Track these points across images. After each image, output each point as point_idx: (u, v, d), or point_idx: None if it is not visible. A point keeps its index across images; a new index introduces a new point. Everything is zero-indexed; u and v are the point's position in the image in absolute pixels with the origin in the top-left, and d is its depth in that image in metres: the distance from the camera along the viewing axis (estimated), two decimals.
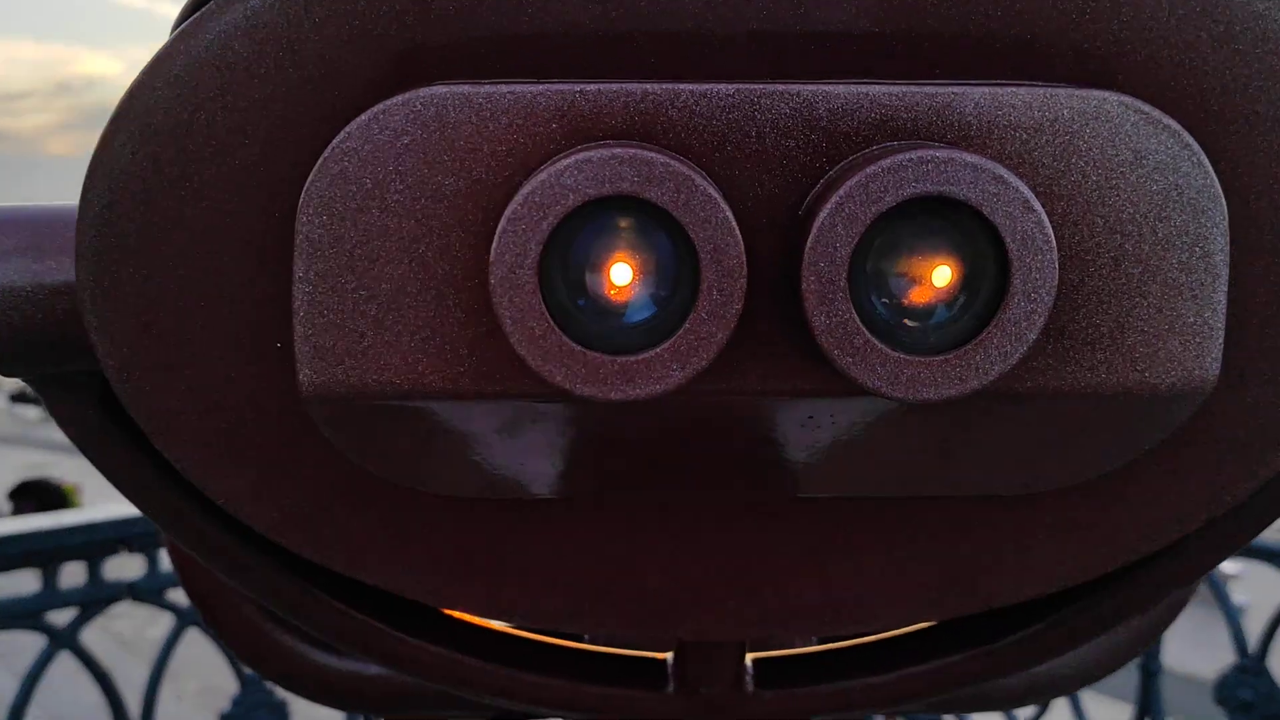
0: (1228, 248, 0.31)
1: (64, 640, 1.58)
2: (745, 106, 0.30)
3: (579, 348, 0.29)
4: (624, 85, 0.30)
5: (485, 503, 0.37)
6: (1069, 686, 0.62)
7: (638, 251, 0.29)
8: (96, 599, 1.59)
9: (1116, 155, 0.31)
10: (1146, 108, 0.31)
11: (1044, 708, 1.64)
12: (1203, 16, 0.33)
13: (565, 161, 0.28)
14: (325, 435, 0.34)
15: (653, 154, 0.28)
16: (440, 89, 0.30)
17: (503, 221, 0.28)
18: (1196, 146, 0.31)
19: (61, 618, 1.59)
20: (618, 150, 0.28)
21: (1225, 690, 1.52)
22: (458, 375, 0.31)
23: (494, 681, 0.44)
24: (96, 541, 1.57)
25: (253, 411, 0.35)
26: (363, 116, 0.30)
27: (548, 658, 0.46)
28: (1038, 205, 0.29)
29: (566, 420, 0.33)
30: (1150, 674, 1.59)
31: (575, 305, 0.29)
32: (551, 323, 0.29)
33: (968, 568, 0.39)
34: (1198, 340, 0.32)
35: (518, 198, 0.28)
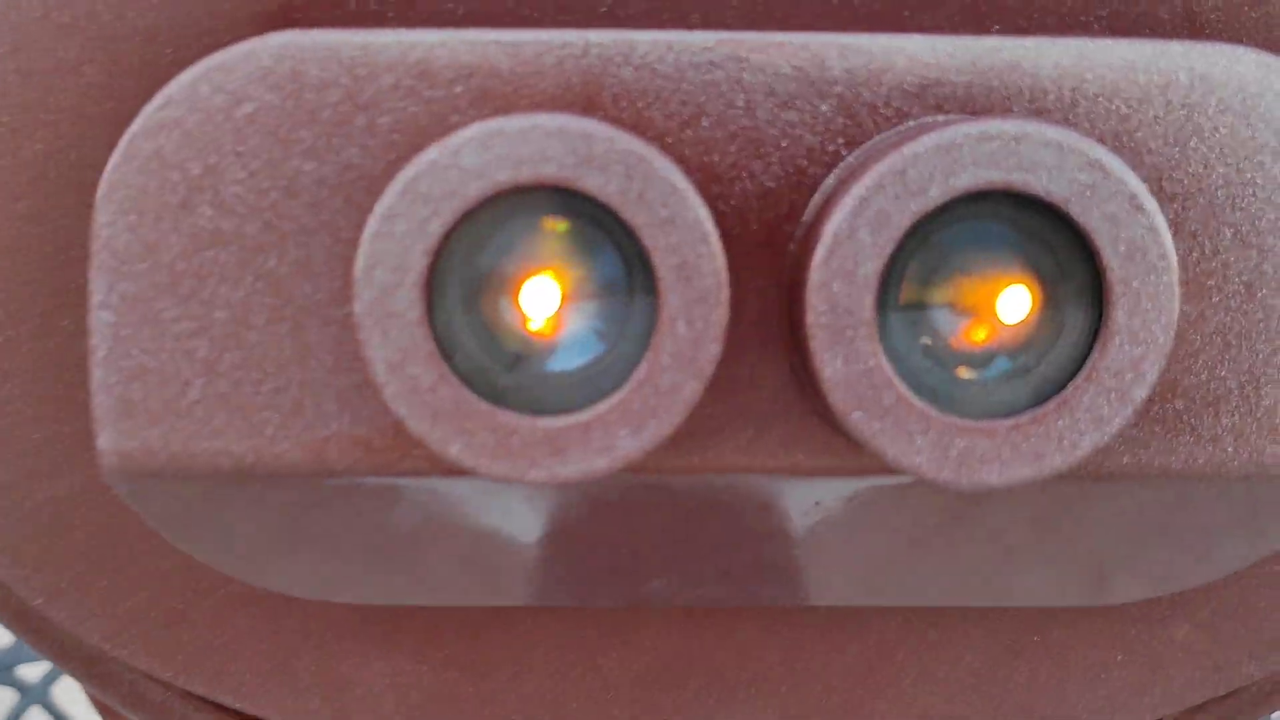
0: None
1: (35, 695, 1.50)
2: (729, 65, 0.22)
3: (485, 405, 0.20)
4: (557, 33, 0.21)
5: (385, 610, 0.28)
6: None
7: (572, 266, 0.20)
8: None
9: (1253, 137, 0.22)
10: None
11: None
12: None
13: (466, 134, 0.19)
14: (148, 516, 0.25)
15: (594, 125, 0.19)
16: (295, 36, 0.21)
17: (372, 222, 0.20)
18: None
19: (34, 672, 1.51)
20: (543, 119, 0.19)
21: None
22: (319, 442, 0.22)
23: None
24: None
25: (66, 488, 0.26)
26: (185, 75, 0.21)
27: None
28: (1151, 203, 0.20)
29: (476, 505, 0.24)
30: None
31: (481, 343, 0.20)
32: (445, 368, 0.20)
33: (1022, 698, 0.29)
34: None
35: (394, 186, 0.19)
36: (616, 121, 0.21)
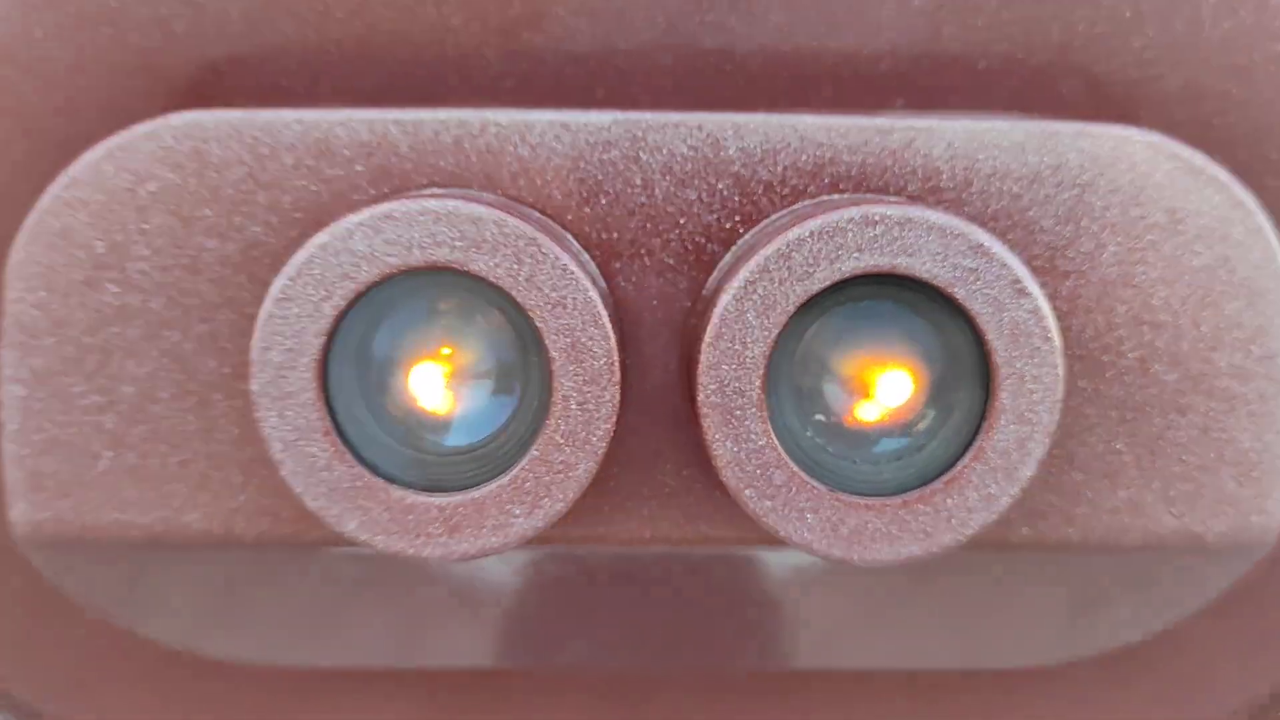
0: None
1: None
2: (626, 144, 0.22)
3: (381, 482, 0.20)
4: (455, 112, 0.22)
5: (285, 670, 0.28)
6: None
7: (465, 346, 0.21)
8: None
9: (1144, 217, 0.22)
10: (1186, 150, 0.22)
11: None
12: (1255, 31, 0.24)
13: (356, 219, 0.20)
14: (55, 584, 0.25)
15: (484, 208, 0.20)
16: (198, 115, 0.22)
17: (267, 304, 0.20)
18: (1254, 204, 0.22)
19: None
20: (432, 204, 0.20)
21: None
22: (226, 514, 0.22)
23: None
24: None
25: None
26: (90, 154, 0.22)
27: None
28: (1035, 287, 0.20)
29: (399, 571, 0.25)
30: None
31: (377, 421, 0.21)
32: (340, 446, 0.20)
33: None
34: (1257, 474, 0.23)
35: (287, 269, 0.20)
36: (515, 199, 0.22)
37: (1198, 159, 0.22)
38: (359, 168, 0.22)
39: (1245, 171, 0.24)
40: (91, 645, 0.27)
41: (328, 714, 0.28)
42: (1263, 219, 0.22)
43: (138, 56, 0.24)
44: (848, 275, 0.20)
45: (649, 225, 0.22)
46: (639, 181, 0.22)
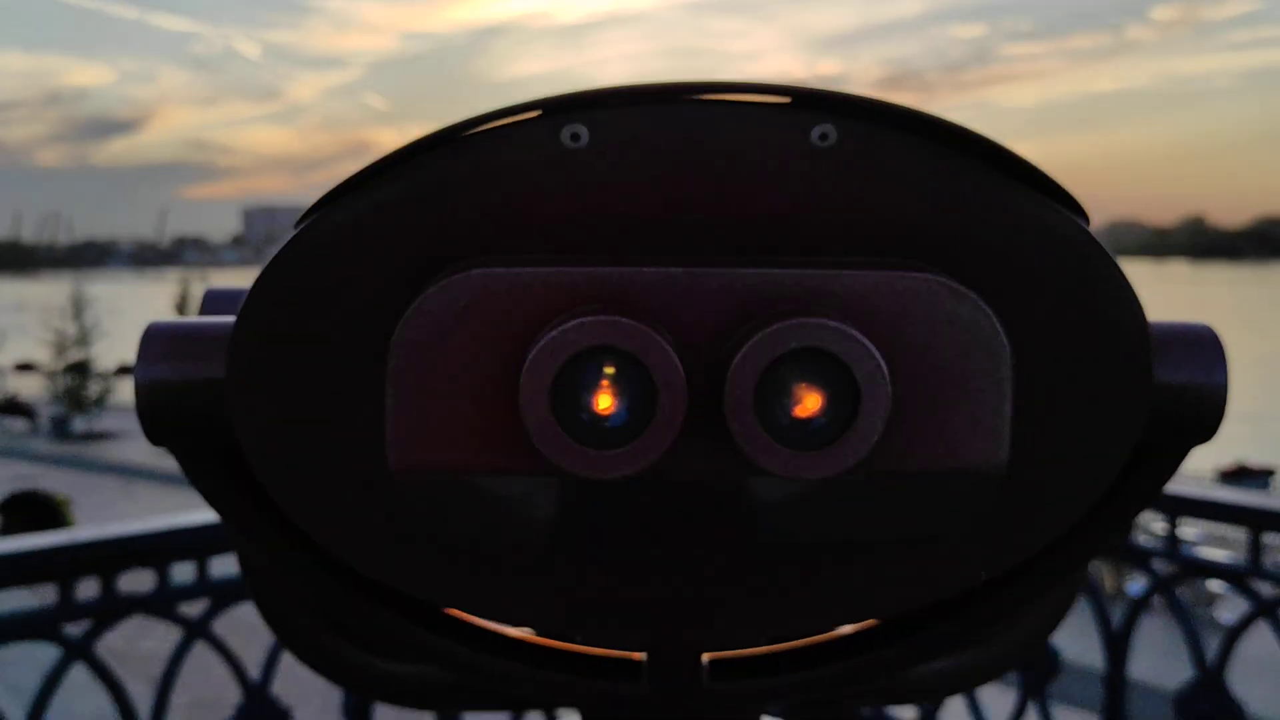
0: (1011, 377, 0.47)
1: (79, 651, 1.63)
2: (688, 283, 0.46)
3: (577, 444, 0.44)
4: (609, 270, 0.45)
5: (513, 547, 0.52)
6: (968, 682, 0.78)
7: (616, 382, 0.44)
8: (110, 611, 1.66)
9: (935, 317, 0.46)
10: (955, 286, 0.46)
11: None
12: (1002, 218, 0.48)
13: (568, 325, 0.43)
14: (411, 498, 0.49)
15: (625, 320, 0.43)
16: (484, 271, 0.45)
17: (526, 363, 0.43)
18: (989, 311, 0.46)
19: (76, 630, 1.64)
20: (602, 317, 0.43)
21: (1184, 703, 1.60)
22: (498, 458, 0.46)
23: (503, 673, 0.59)
24: (110, 556, 1.62)
25: (350, 481, 0.50)
26: (432, 289, 0.45)
27: (546, 656, 0.61)
28: (877, 354, 0.44)
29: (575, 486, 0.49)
30: (1114, 686, 1.68)
31: (576, 416, 0.44)
32: (559, 428, 0.44)
33: (863, 588, 0.54)
34: (992, 437, 0.47)
35: (535, 348, 0.43)
36: (635, 313, 0.45)
37: (962, 289, 0.46)
38: (561, 296, 0.45)
39: (992, 290, 0.48)
40: (415, 531, 0.51)
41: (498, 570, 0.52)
42: (993, 318, 0.46)
43: (432, 232, 0.47)
44: (791, 349, 0.44)
45: (695, 322, 0.46)
46: (690, 303, 0.46)
